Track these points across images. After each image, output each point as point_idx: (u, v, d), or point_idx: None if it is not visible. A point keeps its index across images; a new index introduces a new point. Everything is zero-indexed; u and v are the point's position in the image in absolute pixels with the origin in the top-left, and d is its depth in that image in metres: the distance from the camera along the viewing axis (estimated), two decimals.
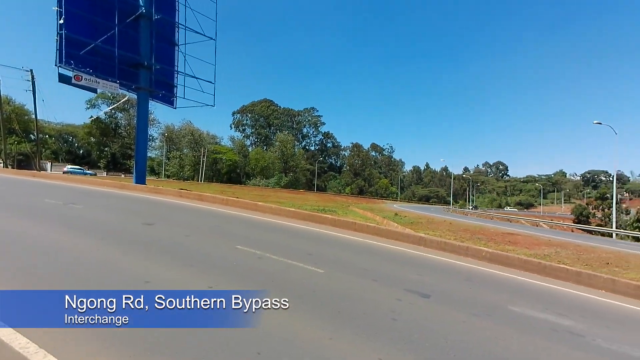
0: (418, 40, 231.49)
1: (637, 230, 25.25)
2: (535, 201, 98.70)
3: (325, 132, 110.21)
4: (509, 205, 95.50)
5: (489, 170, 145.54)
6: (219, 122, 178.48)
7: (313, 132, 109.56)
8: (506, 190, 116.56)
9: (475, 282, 6.20)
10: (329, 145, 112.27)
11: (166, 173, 64.41)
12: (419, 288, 5.16)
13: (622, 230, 27.47)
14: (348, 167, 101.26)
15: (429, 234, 14.03)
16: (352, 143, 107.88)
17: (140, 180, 18.88)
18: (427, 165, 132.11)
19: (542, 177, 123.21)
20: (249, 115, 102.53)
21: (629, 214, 42.20)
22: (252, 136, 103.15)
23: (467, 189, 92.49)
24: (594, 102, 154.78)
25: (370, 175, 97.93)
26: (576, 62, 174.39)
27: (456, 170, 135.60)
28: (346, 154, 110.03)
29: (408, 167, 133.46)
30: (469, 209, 64.30)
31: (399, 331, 3.49)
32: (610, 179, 37.11)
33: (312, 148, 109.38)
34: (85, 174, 41.39)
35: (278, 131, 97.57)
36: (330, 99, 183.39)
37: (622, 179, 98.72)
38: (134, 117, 42.06)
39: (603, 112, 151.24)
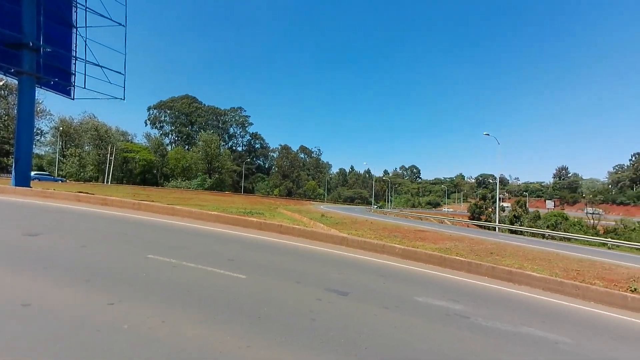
0: (343, 47, 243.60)
1: (511, 224, 31.01)
2: (442, 201, 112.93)
3: (253, 133, 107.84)
4: (420, 205, 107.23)
5: (405, 173, 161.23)
6: (133, 119, 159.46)
7: (240, 132, 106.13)
8: (419, 191, 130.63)
9: (388, 277, 6.80)
10: (257, 146, 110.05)
11: (61, 173, 54.67)
12: (338, 286, 5.43)
13: (501, 225, 33.36)
14: (277, 169, 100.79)
15: (352, 233, 14.88)
16: (281, 145, 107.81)
17: (22, 182, 15.64)
18: (352, 167, 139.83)
19: (447, 179, 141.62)
20: (168, 111, 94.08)
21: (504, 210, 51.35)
22: (172, 134, 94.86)
23: (387, 190, 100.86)
24: (486, 114, 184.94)
25: (299, 177, 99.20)
26: (473, 79, 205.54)
27: (377, 172, 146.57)
28: (275, 156, 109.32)
29: (335, 170, 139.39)
30: (375, 207, 69.99)
31: (317, 331, 3.62)
32: (496, 181, 44.66)
33: (240, 149, 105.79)
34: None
35: (202, 130, 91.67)
36: (259, 100, 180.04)
37: (503, 182, 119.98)
38: (14, 105, 34.70)
39: (493, 124, 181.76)
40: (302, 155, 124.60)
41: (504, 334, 4.28)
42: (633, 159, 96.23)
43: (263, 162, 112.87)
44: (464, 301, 5.55)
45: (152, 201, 14.87)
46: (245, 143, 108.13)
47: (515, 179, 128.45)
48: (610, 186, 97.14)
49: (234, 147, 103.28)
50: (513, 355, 3.71)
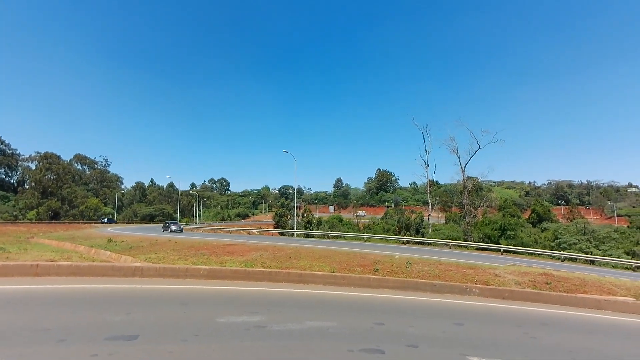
0: (148, 46, 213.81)
1: (305, 229, 36.99)
2: (250, 212, 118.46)
3: None
4: (230, 218, 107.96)
5: (214, 186, 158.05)
6: None
7: None
8: (228, 204, 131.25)
9: (190, 304, 6.37)
10: None
11: None
12: (125, 330, 4.56)
13: (298, 230, 39.02)
14: (34, 184, 73.56)
15: (150, 258, 12.96)
16: (39, 153, 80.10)
17: None
18: (152, 181, 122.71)
19: (254, 191, 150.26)
20: None
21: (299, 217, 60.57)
22: None
23: (195, 204, 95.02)
24: (286, 131, 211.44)
25: (73, 194, 76.59)
26: (275, 99, 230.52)
27: (183, 186, 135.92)
28: (32, 167, 79.78)
29: (130, 184, 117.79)
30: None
31: None
32: (294, 192, 51.77)
33: None
34: None
35: None
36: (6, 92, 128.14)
37: (300, 192, 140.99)
38: None
39: (292, 140, 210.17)
40: (79, 166, 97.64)
41: (292, 333, 4.95)
42: (376, 172, 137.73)
43: (8, 175, 79.69)
44: (262, 311, 6.01)
45: None
46: None
47: (308, 189, 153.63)
48: (365, 193, 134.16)
49: None
50: (294, 351, 4.34)
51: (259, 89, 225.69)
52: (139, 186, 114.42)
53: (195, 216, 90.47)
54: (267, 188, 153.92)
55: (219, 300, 6.94)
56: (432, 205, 47.90)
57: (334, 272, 10.18)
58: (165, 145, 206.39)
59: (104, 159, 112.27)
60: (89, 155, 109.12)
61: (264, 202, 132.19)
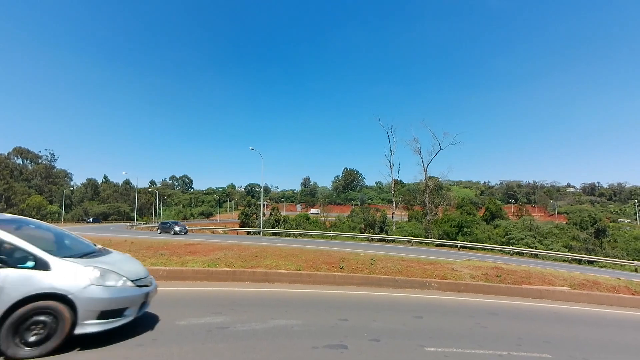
0: (100, 38, 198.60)
1: (272, 227, 36.65)
2: (214, 210, 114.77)
3: None
4: (193, 216, 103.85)
5: (176, 184, 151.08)
6: None
7: None
8: (191, 202, 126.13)
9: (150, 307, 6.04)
10: None
11: None
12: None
13: (264, 229, 38.53)
14: None
15: None
16: None
17: None
18: (105, 178, 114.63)
19: (219, 189, 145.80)
20: None
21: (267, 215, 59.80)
22: None
23: (154, 202, 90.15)
24: (252, 128, 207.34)
25: (11, 191, 69.34)
26: (239, 96, 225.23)
27: (142, 183, 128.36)
28: None
29: (80, 180, 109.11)
30: (137, 224, 61.85)
31: None
32: (261, 190, 50.96)
33: None
34: None
35: None
36: None
37: (267, 190, 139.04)
38: None
39: (258, 138, 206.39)
40: (19, 161, 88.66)
41: (256, 333, 4.90)
42: (343, 171, 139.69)
43: None
44: (226, 312, 5.88)
45: None
46: None
47: (275, 187, 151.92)
48: (333, 191, 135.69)
49: None
50: (258, 351, 4.30)
51: (223, 84, 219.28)
52: (91, 183, 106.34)
53: (155, 215, 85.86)
54: (232, 186, 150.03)
55: (179, 302, 6.67)
56: (396, 203, 49.63)
57: (300, 270, 10.19)
58: (121, 140, 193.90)
59: (49, 153, 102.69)
60: (31, 148, 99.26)
61: (230, 201, 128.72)
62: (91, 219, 65.33)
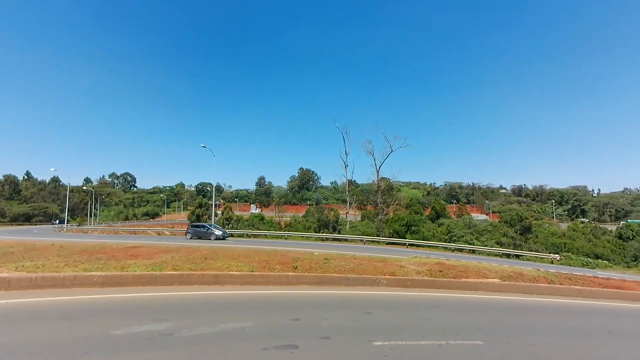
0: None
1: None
2: (161, 210, 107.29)
3: None
4: (136, 217, 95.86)
5: (117, 182, 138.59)
6: None
7: None
8: (134, 202, 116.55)
9: (76, 318, 5.44)
10: None
11: None
12: None
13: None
14: None
15: (24, 267, 10.63)
16: None
17: None
18: (27, 174, 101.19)
19: (167, 188, 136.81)
20: None
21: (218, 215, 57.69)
22: None
23: (90, 202, 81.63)
24: (204, 126, 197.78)
25: None
26: (191, 91, 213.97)
27: (75, 181, 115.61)
28: None
29: None
30: (69, 225, 55.86)
31: None
32: (213, 189, 48.86)
33: None
34: None
35: None
36: None
37: (219, 189, 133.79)
38: None
39: (211, 135, 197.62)
40: None
41: (204, 338, 4.68)
42: (299, 171, 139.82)
43: None
44: (171, 317, 5.53)
45: None
46: None
47: (229, 186, 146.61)
48: (288, 191, 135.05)
49: None
50: (205, 356, 4.12)
51: (170, 78, 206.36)
52: (10, 180, 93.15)
53: (91, 216, 77.79)
54: (182, 185, 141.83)
55: (116, 310, 6.12)
56: (350, 203, 50.98)
57: (253, 271, 9.97)
58: (46, 134, 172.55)
59: None
60: None
61: (178, 200, 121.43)
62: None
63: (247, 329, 5.15)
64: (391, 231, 39.07)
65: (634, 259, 39.62)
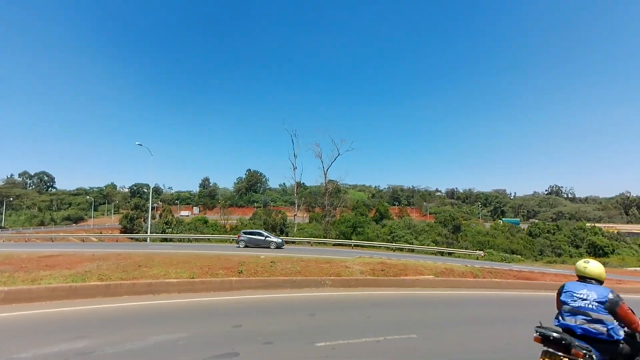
0: None
1: (163, 232, 32.77)
2: (86, 214, 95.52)
3: None
4: (55, 222, 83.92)
5: (29, 182, 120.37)
6: None
7: None
8: (52, 205, 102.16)
9: None
10: None
11: None
12: None
13: (153, 234, 34.20)
14: None
15: None
16: None
17: None
18: None
19: (94, 189, 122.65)
20: None
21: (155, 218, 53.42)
22: None
23: None
24: (140, 125, 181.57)
25: None
26: (114, 83, 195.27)
27: None
28: None
29: None
30: None
31: None
32: (150, 190, 44.97)
33: None
34: None
35: None
36: None
37: (158, 191, 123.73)
38: None
39: (147, 135, 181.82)
40: None
41: (132, 354, 4.26)
42: (246, 173, 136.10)
43: None
44: (92, 334, 4.92)
45: None
46: None
47: (169, 188, 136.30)
48: (234, 193, 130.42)
49: None
50: None
51: (100, 68, 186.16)
52: None
53: None
54: (113, 186, 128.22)
55: (23, 330, 5.26)
56: (298, 205, 51.02)
57: (193, 277, 9.38)
58: None
59: None
60: None
61: (109, 203, 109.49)
62: None
63: (182, 341, 4.80)
64: (338, 233, 40.01)
65: (539, 253, 46.15)
